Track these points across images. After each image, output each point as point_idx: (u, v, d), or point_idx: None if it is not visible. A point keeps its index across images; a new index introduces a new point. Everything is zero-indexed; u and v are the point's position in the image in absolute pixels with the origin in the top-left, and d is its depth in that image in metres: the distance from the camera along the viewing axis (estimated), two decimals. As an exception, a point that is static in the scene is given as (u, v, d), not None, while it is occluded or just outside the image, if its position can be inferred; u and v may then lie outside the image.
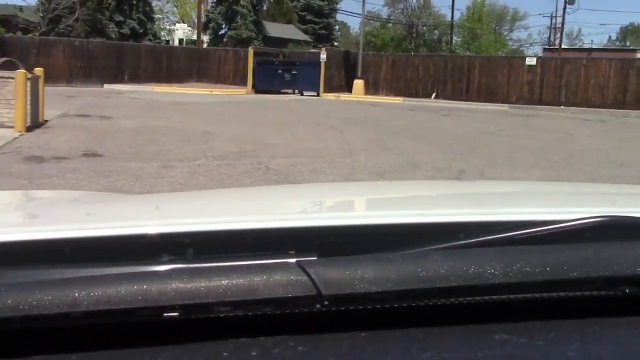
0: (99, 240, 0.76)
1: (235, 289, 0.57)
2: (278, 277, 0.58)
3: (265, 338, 0.58)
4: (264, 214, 1.05)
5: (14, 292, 0.56)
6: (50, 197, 1.49)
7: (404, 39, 50.90)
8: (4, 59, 11.57)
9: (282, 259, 0.69)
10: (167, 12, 47.55)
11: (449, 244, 0.70)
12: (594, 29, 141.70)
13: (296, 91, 22.33)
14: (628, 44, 65.16)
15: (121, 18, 29.53)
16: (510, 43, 59.37)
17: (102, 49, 23.02)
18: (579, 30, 78.80)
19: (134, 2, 30.20)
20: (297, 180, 6.03)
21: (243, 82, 23.30)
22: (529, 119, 15.40)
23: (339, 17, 64.80)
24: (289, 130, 10.45)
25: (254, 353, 0.56)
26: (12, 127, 8.82)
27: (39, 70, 10.52)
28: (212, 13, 36.88)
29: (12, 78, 9.03)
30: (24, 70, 9.34)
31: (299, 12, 45.95)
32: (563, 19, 42.61)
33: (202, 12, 33.24)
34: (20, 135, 8.56)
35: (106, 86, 21.76)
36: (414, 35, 51.74)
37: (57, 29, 25.62)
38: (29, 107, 9.14)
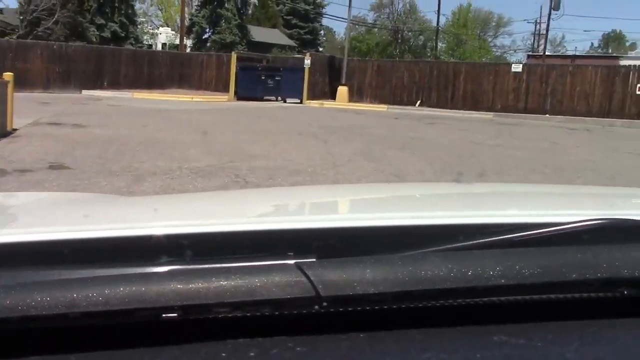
0: (97, 241, 0.76)
1: (234, 290, 0.58)
2: (277, 279, 0.59)
3: (264, 339, 0.58)
4: (262, 215, 1.06)
5: (12, 293, 0.56)
6: (49, 198, 1.47)
7: (390, 44, 50.84)
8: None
9: (280, 260, 0.69)
10: (150, 16, 47.04)
11: (447, 246, 0.70)
12: (577, 35, 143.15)
13: (279, 98, 21.93)
14: (610, 50, 65.70)
15: (102, 21, 29.02)
16: (494, 49, 59.70)
17: (82, 53, 22.44)
18: (563, 37, 79.43)
19: (116, 5, 29.69)
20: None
21: (225, 89, 22.86)
22: (515, 128, 15.17)
23: (325, 21, 64.66)
24: (270, 139, 10.10)
25: (252, 354, 0.56)
26: (-23, 136, 8.38)
27: (8, 75, 10.07)
28: (196, 17, 36.45)
29: (-22, 84, 8.58)
30: (-10, 76, 8.88)
31: (285, 17, 45.70)
32: (548, 25, 42.76)
33: (186, 15, 32.79)
34: (-15, 145, 8.12)
35: (85, 92, 21.23)
36: (400, 40, 51.69)
37: (35, 31, 25.03)
38: (-4, 115, 8.70)
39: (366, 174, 7.16)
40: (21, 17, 25.42)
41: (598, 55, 50.26)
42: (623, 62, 25.65)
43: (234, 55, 22.97)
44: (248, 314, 0.58)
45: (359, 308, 0.60)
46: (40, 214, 1.16)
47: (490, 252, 0.66)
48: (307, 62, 21.55)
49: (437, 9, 46.35)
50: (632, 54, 48.95)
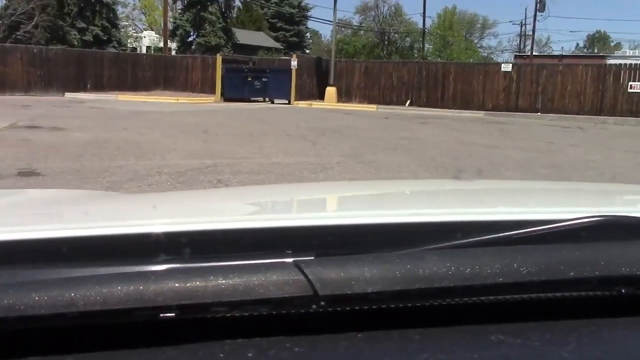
0: (96, 239, 0.75)
1: (232, 289, 0.57)
2: (275, 277, 0.58)
3: (262, 339, 0.58)
4: (261, 213, 1.08)
5: (10, 292, 0.55)
6: (48, 196, 1.47)
7: (376, 46, 50.58)
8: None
9: (279, 258, 0.69)
10: (134, 20, 46.45)
11: (446, 244, 0.70)
12: (563, 36, 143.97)
13: (267, 99, 21.59)
14: (596, 50, 65.95)
15: (84, 25, 28.42)
16: (481, 50, 59.67)
17: (63, 56, 21.98)
18: (548, 38, 79.67)
19: (97, 9, 29.10)
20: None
21: (212, 91, 22.50)
22: (507, 127, 14.86)
23: (311, 24, 64.31)
24: (257, 142, 9.68)
25: (250, 354, 0.56)
26: (-55, 141, 7.90)
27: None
28: (180, 20, 35.93)
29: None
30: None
31: (270, 20, 45.26)
32: (534, 26, 42.73)
33: (169, 18, 32.29)
34: (-46, 150, 7.65)
35: (67, 95, 20.81)
36: (386, 42, 51.47)
37: (15, 35, 24.45)
38: (-35, 119, 8.22)
39: (357, 178, 6.77)
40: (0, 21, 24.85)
41: (585, 55, 50.36)
42: (610, 62, 25.54)
43: (219, 58, 22.61)
44: (246, 314, 0.58)
45: (357, 307, 0.59)
46: (39, 211, 1.14)
47: (488, 250, 0.66)
48: (294, 63, 21.18)
49: (422, 11, 46.13)
50: (618, 53, 49.13)
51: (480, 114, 19.00)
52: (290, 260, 0.63)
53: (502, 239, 0.71)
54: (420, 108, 20.16)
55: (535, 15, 41.73)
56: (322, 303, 0.58)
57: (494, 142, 11.28)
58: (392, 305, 0.60)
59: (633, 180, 7.39)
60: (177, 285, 0.57)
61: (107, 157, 7.44)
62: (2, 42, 22.76)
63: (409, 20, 53.86)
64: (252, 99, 21.30)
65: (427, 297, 0.61)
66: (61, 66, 21.50)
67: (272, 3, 44.51)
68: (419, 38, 49.60)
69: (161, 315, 0.57)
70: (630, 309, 0.65)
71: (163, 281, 0.58)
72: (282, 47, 41.74)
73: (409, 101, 21.27)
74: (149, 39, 44.79)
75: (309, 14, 48.73)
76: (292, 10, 45.77)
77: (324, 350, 0.58)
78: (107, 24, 29.71)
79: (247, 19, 42.45)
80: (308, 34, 52.75)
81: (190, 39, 36.12)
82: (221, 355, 0.56)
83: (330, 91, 21.54)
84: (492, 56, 58.94)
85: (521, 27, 54.80)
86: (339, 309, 0.59)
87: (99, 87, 22.46)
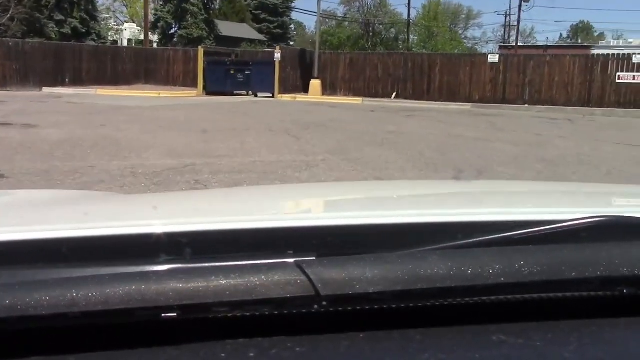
0: (97, 240, 0.75)
1: (233, 289, 0.57)
2: (276, 277, 0.59)
3: (263, 339, 0.58)
4: (262, 213, 1.05)
5: (11, 292, 0.56)
6: (48, 196, 1.45)
7: (361, 37, 50.23)
8: None
9: (280, 259, 0.68)
10: (115, 12, 45.65)
11: (447, 244, 0.70)
12: (547, 26, 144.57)
13: (250, 92, 21.19)
14: (580, 41, 66.05)
15: (62, 17, 27.72)
16: (465, 41, 59.53)
17: (40, 50, 21.41)
18: (532, 29, 79.71)
19: (75, 1, 28.41)
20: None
21: (194, 84, 22.05)
22: (496, 119, 14.61)
23: (295, 16, 63.75)
24: (239, 138, 9.33)
25: (252, 354, 0.56)
26: None
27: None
28: (161, 12, 35.27)
29: None
30: None
31: (253, 11, 44.67)
32: (519, 17, 42.56)
33: (151, 10, 31.68)
34: None
35: (45, 89, 20.27)
36: (371, 34, 51.13)
37: (-10, 28, 23.82)
38: None
39: (343, 176, 6.45)
40: (-25, 14, 24.17)
41: (569, 45, 50.34)
42: (595, 52, 25.40)
43: (201, 50, 22.16)
44: (247, 314, 0.58)
45: (358, 307, 0.60)
46: (39, 211, 1.13)
47: (490, 250, 0.66)
48: (278, 55, 20.78)
49: (407, 2, 45.79)
50: (602, 43, 49.19)
51: (467, 106, 18.75)
52: (291, 260, 0.62)
53: (503, 240, 0.70)
54: (406, 100, 19.87)
55: (520, 5, 41.57)
56: (324, 303, 0.58)
57: (482, 135, 11.01)
58: (394, 306, 0.60)
59: (629, 174, 7.15)
60: (178, 285, 0.57)
61: (79, 156, 7.06)
62: (-24, 36, 22.12)
63: (393, 11, 53.61)
64: (235, 92, 20.91)
65: (429, 297, 0.60)
66: (38, 60, 20.94)
67: (255, -6, 43.96)
68: (404, 29, 49.32)
69: (163, 315, 0.56)
70: (632, 309, 0.64)
71: (164, 281, 0.58)
72: (265, 39, 41.20)
73: (394, 93, 20.97)
74: (130, 31, 44.01)
75: (292, 5, 48.20)
76: (276, 2, 45.21)
77: (325, 350, 0.58)
78: (85, 16, 29.00)
79: (230, 11, 41.84)
80: (292, 26, 52.22)
81: (172, 31, 35.48)
82: (223, 355, 0.56)
83: (315, 84, 21.18)
84: (477, 47, 58.89)
85: (506, 17, 54.64)
86: (340, 309, 0.59)
87: (77, 81, 21.93)
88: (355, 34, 50.79)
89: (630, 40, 49.15)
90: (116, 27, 43.29)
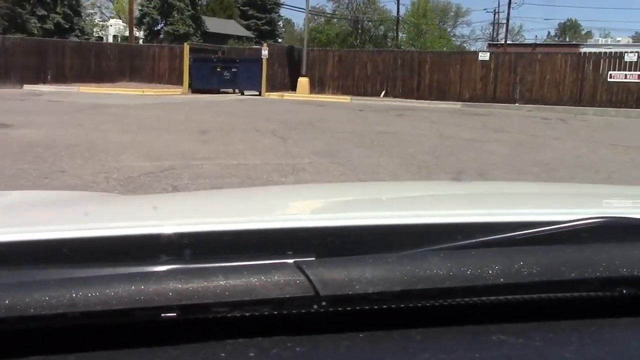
0: (96, 240, 0.75)
1: (233, 289, 0.58)
2: (276, 278, 0.59)
3: (263, 339, 0.58)
4: (262, 214, 1.06)
5: (11, 292, 0.56)
6: (48, 196, 1.46)
7: (350, 34, 49.86)
8: None
9: (280, 259, 0.68)
10: (100, 7, 44.97)
11: (447, 245, 0.70)
12: (536, 24, 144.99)
13: (237, 90, 20.77)
14: (567, 39, 66.14)
15: (44, 12, 27.09)
16: (454, 39, 59.38)
17: (21, 45, 20.83)
18: (521, 27, 79.68)
19: (59, -5, 27.82)
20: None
21: (179, 81, 21.58)
22: (487, 119, 14.31)
23: (283, 12, 63.21)
24: (222, 138, 8.93)
25: (251, 354, 0.56)
26: None
27: None
28: (147, 7, 34.68)
29: None
30: None
31: (241, 7, 44.17)
32: (508, 14, 42.39)
33: (137, 6, 31.11)
34: None
35: (26, 87, 19.73)
36: (360, 31, 50.78)
37: (-31, 24, 23.19)
38: None
39: (331, 180, 6.08)
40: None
41: (558, 43, 50.32)
42: (583, 50, 25.22)
43: (186, 47, 21.68)
44: (247, 314, 0.58)
45: (358, 307, 0.60)
46: (39, 212, 1.12)
47: (489, 251, 0.66)
48: (265, 52, 20.36)
49: (397, -2, 45.52)
50: (591, 41, 49.19)
51: (457, 105, 18.45)
52: (291, 261, 0.62)
53: (503, 240, 0.70)
54: (395, 99, 19.53)
55: (509, 3, 41.39)
56: (324, 303, 0.58)
57: (475, 135, 10.68)
58: (394, 306, 0.60)
59: (631, 177, 6.84)
60: (178, 285, 0.57)
61: (51, 160, 6.63)
62: (-45, 31, 21.51)
63: (382, 8, 53.34)
64: (221, 90, 20.49)
65: (429, 297, 0.60)
66: (19, 56, 20.35)
67: (243, -10, 43.42)
68: (393, 26, 49.03)
69: (162, 315, 0.56)
70: (632, 309, 0.64)
71: (164, 281, 0.58)
72: (253, 36, 40.72)
73: (384, 92, 20.62)
74: (115, 27, 43.32)
75: (281, 1, 47.73)
76: (264, -2, 44.73)
77: (325, 350, 0.57)
78: (69, 11, 28.39)
79: (218, 7, 41.30)
80: (280, 23, 51.77)
81: (158, 27, 34.94)
82: (223, 354, 0.56)
83: (303, 82, 20.79)
84: (465, 45, 58.77)
85: (494, 15, 54.55)
86: (340, 309, 0.59)
87: (60, 78, 21.39)
88: (343, 31, 50.42)
89: (618, 39, 49.22)
90: (101, 23, 42.59)
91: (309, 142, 8.90)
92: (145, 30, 35.18)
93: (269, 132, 9.98)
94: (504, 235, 0.71)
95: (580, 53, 20.23)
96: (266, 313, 0.58)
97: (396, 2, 45.22)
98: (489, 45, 44.37)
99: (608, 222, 0.74)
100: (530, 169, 7.20)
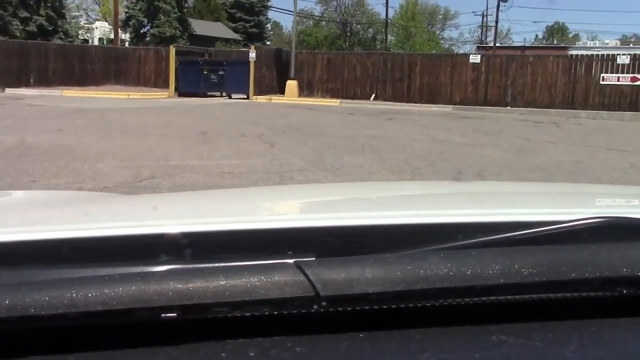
0: (97, 240, 0.75)
1: (233, 289, 0.58)
2: (276, 278, 0.59)
3: (263, 339, 0.58)
4: (262, 214, 1.07)
5: (11, 292, 0.56)
6: (48, 197, 1.45)
7: (338, 37, 49.61)
8: None
9: (280, 259, 0.68)
10: (85, 10, 44.38)
11: (447, 245, 0.70)
12: (524, 27, 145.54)
13: (224, 94, 20.38)
14: (555, 42, 66.26)
15: (27, 14, 26.54)
16: (443, 42, 59.26)
17: (3, 48, 20.40)
18: (509, 29, 79.69)
19: (42, -3, 27.26)
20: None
21: (166, 85, 21.16)
22: (480, 122, 14.03)
23: (272, 15, 62.88)
24: (208, 144, 8.57)
25: (251, 354, 0.56)
26: None
27: None
28: (133, 9, 34.18)
29: None
30: None
31: (228, 10, 43.73)
32: (497, 17, 42.29)
33: (123, 8, 30.63)
34: None
35: (8, 91, 19.26)
36: (348, 33, 50.55)
37: (-50, 26, 22.65)
38: None
39: (322, 189, 5.74)
40: None
41: (547, 46, 50.35)
42: (572, 52, 25.08)
43: (172, 49, 21.27)
44: (247, 314, 0.58)
45: (358, 307, 0.60)
46: (39, 212, 1.12)
47: (489, 251, 0.66)
48: (252, 55, 19.98)
49: (385, 1, 45.22)
50: (579, 44, 49.27)
51: (448, 108, 18.17)
52: (291, 261, 0.62)
53: (504, 240, 0.70)
54: (385, 102, 19.22)
55: (498, 6, 41.29)
56: (324, 303, 0.58)
57: (469, 140, 10.39)
58: (394, 306, 0.60)
59: (633, 184, 6.56)
60: (178, 285, 0.57)
61: (23, 169, 6.25)
62: None
63: (371, 10, 53.08)
64: (208, 93, 20.12)
65: (429, 297, 0.60)
66: (0, 59, 19.89)
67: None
68: (382, 29, 48.81)
69: (162, 315, 0.56)
70: (632, 309, 0.64)
71: (164, 282, 0.57)
72: (241, 39, 40.30)
73: (373, 95, 20.30)
74: (101, 30, 42.74)
75: (269, 3, 47.34)
76: (252, 0, 44.31)
77: (325, 350, 0.57)
78: (52, 13, 27.85)
79: (205, 9, 40.84)
80: (269, 25, 51.41)
81: (144, 30, 34.43)
82: (223, 354, 0.56)
83: (291, 85, 20.43)
84: (454, 48, 58.68)
85: (482, 18, 54.46)
86: (340, 309, 0.59)
87: (43, 81, 20.92)
88: (332, 33, 50.14)
89: (606, 41, 49.32)
90: (87, 25, 41.99)
91: (297, 147, 8.56)
92: (131, 33, 34.65)
93: (256, 137, 9.63)
94: (504, 235, 0.70)
95: (572, 55, 19.99)
96: (266, 313, 0.58)
97: (385, 4, 44.89)
98: (478, 48, 44.26)
99: (608, 222, 0.74)
100: (528, 174, 6.91)
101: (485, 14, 53.42)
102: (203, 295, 0.56)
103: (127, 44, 31.57)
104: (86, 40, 37.95)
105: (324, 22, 51.19)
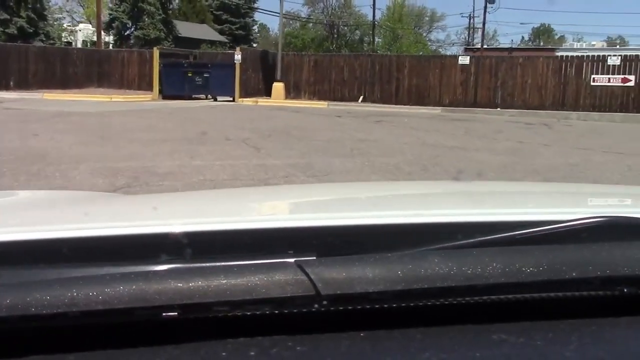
0: (97, 240, 0.76)
1: (233, 288, 0.58)
2: (277, 277, 0.59)
3: (264, 338, 0.58)
4: (262, 213, 1.07)
5: (12, 291, 0.56)
6: (49, 196, 1.45)
7: (325, 39, 49.32)
8: None
9: (280, 258, 0.68)
10: (69, 12, 43.76)
11: (447, 244, 0.70)
12: (510, 28, 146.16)
13: (209, 96, 20.00)
14: (542, 43, 66.47)
15: (6, 16, 25.98)
16: (430, 44, 59.16)
17: (-19, 51, 19.87)
18: (495, 31, 79.84)
19: (22, -1, 26.71)
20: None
21: (150, 87, 20.74)
22: (469, 125, 13.76)
23: (258, 17, 62.49)
24: (190, 149, 8.20)
25: (252, 353, 0.56)
26: None
27: None
28: (117, 11, 33.65)
29: None
30: None
31: (214, 12, 43.32)
32: (484, 18, 42.18)
33: (105, 9, 30.11)
34: None
35: (-14, 94, 18.74)
36: (335, 35, 50.28)
37: None
38: None
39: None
40: None
41: (534, 47, 50.38)
42: (559, 54, 24.95)
43: (156, 51, 20.84)
44: (248, 313, 0.58)
45: (359, 306, 0.60)
46: (40, 212, 1.12)
47: (490, 250, 0.65)
48: (238, 57, 19.61)
49: (372, 3, 45.03)
50: (565, 45, 49.38)
51: (437, 110, 17.91)
52: (291, 260, 0.62)
53: (504, 240, 0.70)
54: (374, 104, 18.92)
55: (485, 7, 41.19)
56: (324, 302, 0.58)
57: (460, 143, 10.10)
58: (394, 305, 0.60)
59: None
60: (179, 284, 0.57)
61: (-10, 176, 5.85)
62: None
63: (358, 12, 52.84)
64: (193, 96, 19.71)
65: (429, 296, 0.60)
66: (-21, 62, 19.41)
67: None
68: (369, 31, 48.61)
69: (163, 314, 0.57)
70: (632, 308, 0.64)
71: (165, 281, 0.57)
72: (227, 41, 39.89)
73: (361, 97, 20.00)
74: (84, 32, 42.14)
75: (255, 5, 46.95)
76: (239, 2, 43.90)
77: (326, 350, 0.57)
78: (33, 15, 27.29)
79: (190, 11, 40.37)
80: (255, 27, 51.02)
81: (128, 32, 33.92)
82: (223, 354, 0.56)
83: (278, 87, 20.08)
84: (441, 50, 58.60)
85: (470, 19, 54.48)
86: (341, 308, 0.59)
87: (23, 84, 20.44)
88: (319, 35, 49.86)
89: (593, 43, 49.47)
90: (70, 28, 41.37)
91: (284, 152, 8.21)
92: (114, 35, 34.14)
93: (241, 141, 9.27)
94: (504, 235, 0.70)
95: (562, 57, 19.79)
96: (267, 312, 0.58)
97: (372, 6, 44.72)
98: (465, 49, 44.16)
99: (608, 221, 0.73)
100: (521, 178, 6.61)
101: (472, 15, 53.40)
102: (204, 294, 0.56)
103: (110, 46, 31.07)
104: (69, 43, 37.38)
105: (311, 24, 50.92)
